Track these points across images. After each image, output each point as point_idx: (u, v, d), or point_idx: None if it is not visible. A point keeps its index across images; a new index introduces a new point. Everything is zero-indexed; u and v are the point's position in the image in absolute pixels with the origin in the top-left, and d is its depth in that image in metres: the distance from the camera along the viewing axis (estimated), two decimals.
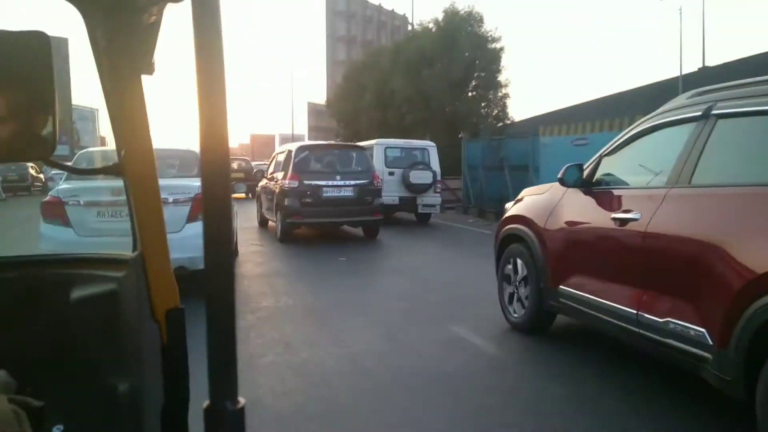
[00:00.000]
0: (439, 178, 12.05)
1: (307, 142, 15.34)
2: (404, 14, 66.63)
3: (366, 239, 9.75)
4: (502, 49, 23.04)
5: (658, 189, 2.90)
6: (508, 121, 23.43)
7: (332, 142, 17.60)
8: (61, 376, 1.18)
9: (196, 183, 5.05)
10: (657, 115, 3.26)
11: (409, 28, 69.01)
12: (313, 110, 61.87)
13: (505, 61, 24.86)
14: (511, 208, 4.68)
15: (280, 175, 9.59)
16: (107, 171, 1.30)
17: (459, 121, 22.03)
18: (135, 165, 1.18)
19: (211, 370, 0.68)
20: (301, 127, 65.63)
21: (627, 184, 3.40)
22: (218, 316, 0.68)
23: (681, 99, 3.19)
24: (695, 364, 2.47)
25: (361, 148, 10.53)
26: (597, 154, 3.68)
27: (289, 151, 9.67)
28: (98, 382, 1.18)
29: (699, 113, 2.83)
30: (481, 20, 23.04)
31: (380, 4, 65.94)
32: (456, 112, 22.38)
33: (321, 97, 65.20)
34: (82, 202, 4.97)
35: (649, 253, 2.78)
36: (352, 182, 9.16)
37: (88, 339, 1.20)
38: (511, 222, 4.51)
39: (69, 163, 6.06)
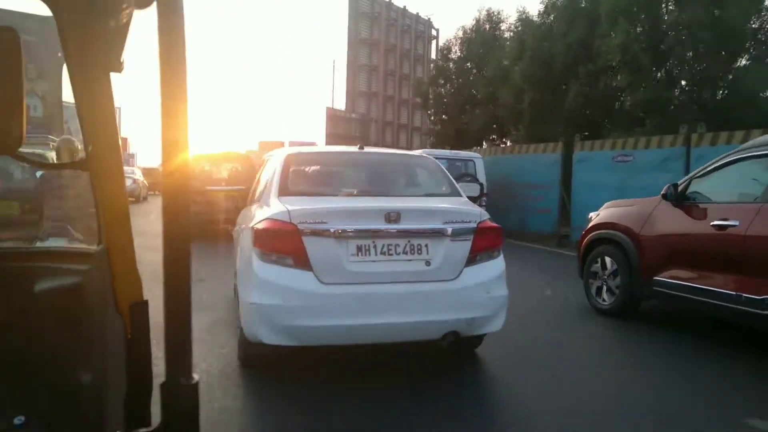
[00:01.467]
0: (485, 190, 12.01)
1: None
2: (428, 18, 67.42)
3: None
4: None
5: (753, 204, 4.06)
6: None
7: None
8: (24, 367, 1.22)
9: (471, 209, 3.63)
10: (742, 150, 4.54)
11: (433, 32, 69.56)
12: (332, 116, 60.08)
13: None
14: (597, 218, 5.80)
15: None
16: (73, 166, 1.41)
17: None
18: (101, 160, 1.22)
19: (167, 348, 0.71)
20: (318, 135, 63.82)
21: (713, 201, 4.52)
22: (174, 298, 0.71)
23: (764, 138, 4.47)
24: None
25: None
26: (688, 176, 4.95)
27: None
28: (61, 373, 1.22)
29: None
30: None
31: (405, 6, 65.90)
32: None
33: (340, 103, 63.61)
34: (332, 230, 3.24)
35: (747, 250, 3.91)
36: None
37: (51, 331, 1.22)
38: (599, 228, 5.64)
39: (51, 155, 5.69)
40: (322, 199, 3.65)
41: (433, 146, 26.77)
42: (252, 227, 3.42)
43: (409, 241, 3.34)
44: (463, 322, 3.38)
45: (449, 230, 3.40)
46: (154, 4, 0.86)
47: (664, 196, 4.87)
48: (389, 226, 3.30)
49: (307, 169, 4.16)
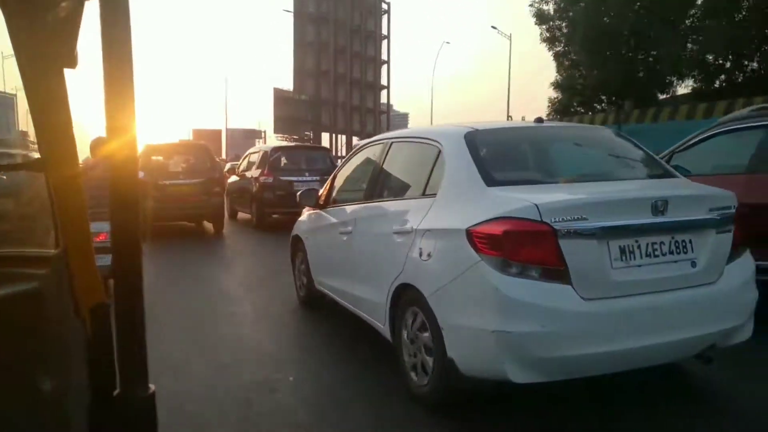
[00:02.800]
0: None
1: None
2: None
3: None
4: None
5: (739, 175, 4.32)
6: None
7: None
8: None
9: (724, 192, 2.94)
10: (721, 124, 4.84)
11: (384, 6, 67.56)
12: (281, 98, 58.11)
13: None
14: None
15: (256, 172, 11.62)
16: (27, 167, 1.30)
17: None
18: (57, 160, 1.18)
19: (119, 356, 0.69)
20: (261, 120, 61.25)
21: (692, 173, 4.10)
22: (128, 308, 0.69)
23: (741, 113, 4.77)
24: None
25: (326, 149, 13.46)
26: (669, 150, 5.11)
27: (265, 152, 11.99)
28: (21, 381, 1.19)
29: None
30: None
31: None
32: None
33: (287, 83, 61.09)
34: (595, 229, 2.53)
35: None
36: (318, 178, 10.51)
37: (9, 338, 1.19)
38: None
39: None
40: (546, 188, 2.90)
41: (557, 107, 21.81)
42: (469, 230, 2.64)
43: (672, 237, 2.70)
44: (724, 332, 2.79)
45: (717, 219, 2.78)
46: None
47: None
48: (656, 219, 2.62)
49: (504, 151, 3.37)
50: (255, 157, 12.36)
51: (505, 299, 2.47)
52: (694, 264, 2.71)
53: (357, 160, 4.72)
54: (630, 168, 3.40)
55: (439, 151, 3.28)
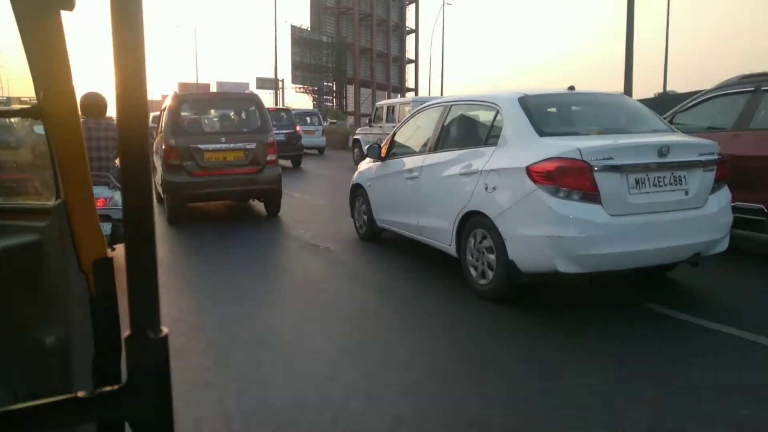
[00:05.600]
0: None
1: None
2: None
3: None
4: None
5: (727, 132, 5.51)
6: None
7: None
8: None
9: (711, 142, 4.15)
10: (716, 89, 5.96)
11: None
12: (298, 38, 50.02)
13: None
14: None
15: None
16: (25, 114, 1.33)
17: None
18: (55, 107, 1.20)
19: (130, 299, 0.70)
20: (283, 65, 51.48)
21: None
22: (136, 244, 0.72)
23: (734, 79, 5.84)
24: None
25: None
26: (672, 111, 6.38)
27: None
28: (25, 335, 1.25)
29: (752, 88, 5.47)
30: None
31: None
32: None
33: (304, 20, 53.35)
34: (618, 166, 3.74)
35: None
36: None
37: (11, 292, 1.24)
38: None
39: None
40: (583, 137, 4.18)
41: None
42: (528, 167, 3.95)
43: (672, 173, 4.00)
44: (707, 243, 4.09)
45: (704, 161, 4.08)
46: None
47: None
48: (660, 159, 3.92)
49: (548, 111, 4.67)
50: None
51: (556, 214, 3.78)
52: (686, 193, 4.03)
53: (416, 120, 6.09)
54: (641, 124, 4.71)
55: (497, 111, 4.57)
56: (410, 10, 65.71)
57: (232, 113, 8.72)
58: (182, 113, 8.06)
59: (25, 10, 1.16)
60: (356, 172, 6.92)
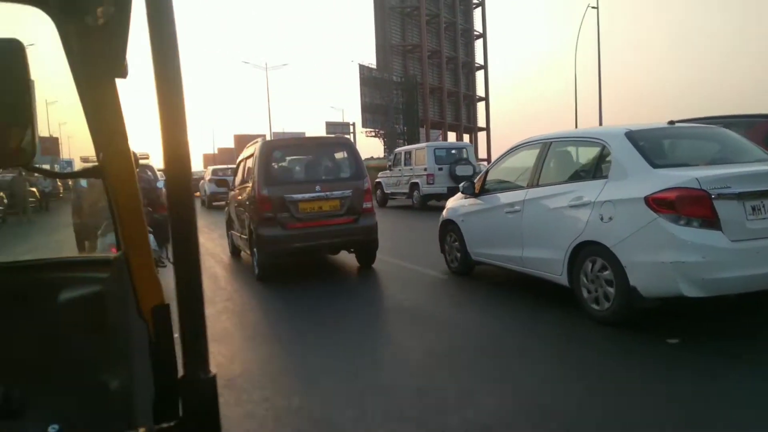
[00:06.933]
0: (477, 170, 15.95)
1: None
2: None
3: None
4: None
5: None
6: None
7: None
8: (54, 377, 1.32)
9: None
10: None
11: None
12: (367, 78, 47.85)
13: None
14: None
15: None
16: (86, 174, 1.43)
17: None
18: (114, 166, 1.30)
19: (184, 344, 0.80)
20: (351, 109, 51.98)
21: None
22: (188, 295, 0.80)
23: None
24: None
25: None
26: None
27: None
28: (90, 381, 1.33)
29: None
30: None
31: None
32: None
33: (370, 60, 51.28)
34: (736, 194, 4.04)
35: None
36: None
37: (77, 340, 1.33)
38: None
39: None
40: (695, 168, 4.51)
41: None
42: (647, 197, 4.29)
43: None
44: None
45: None
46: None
47: None
48: None
49: (655, 144, 4.99)
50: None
51: (679, 241, 4.12)
52: None
53: (511, 157, 6.57)
54: (745, 154, 4.96)
55: (604, 146, 4.97)
56: (478, 43, 64.86)
57: (324, 159, 8.25)
58: (273, 162, 7.64)
59: (84, 79, 1.28)
60: (445, 209, 7.37)
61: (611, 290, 4.54)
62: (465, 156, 17.48)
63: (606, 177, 4.76)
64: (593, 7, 32.22)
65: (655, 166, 4.46)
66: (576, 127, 23.18)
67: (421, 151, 17.76)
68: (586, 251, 4.81)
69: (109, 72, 1.27)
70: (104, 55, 1.25)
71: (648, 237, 4.24)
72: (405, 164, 18.35)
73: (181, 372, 0.95)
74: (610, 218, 4.54)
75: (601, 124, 28.78)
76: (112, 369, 1.31)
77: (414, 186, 17.64)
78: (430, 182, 17.05)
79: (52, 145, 39.01)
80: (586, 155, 5.50)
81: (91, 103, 1.29)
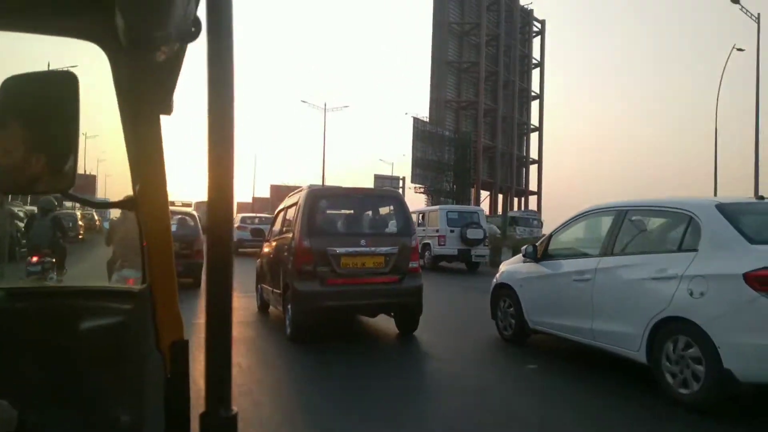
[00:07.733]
0: (487, 235, 17.98)
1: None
2: (529, 7, 57.85)
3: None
4: None
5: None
6: None
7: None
8: (67, 406, 1.32)
9: None
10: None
11: (536, 26, 54.88)
12: (420, 132, 45.87)
13: None
14: None
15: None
16: (120, 205, 1.44)
17: None
18: (148, 200, 1.33)
19: (207, 380, 0.79)
20: (402, 162, 51.14)
21: None
22: (215, 332, 0.81)
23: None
24: None
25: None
26: None
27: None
28: (102, 412, 1.33)
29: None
30: None
31: None
32: None
33: (423, 112, 49.08)
34: None
35: None
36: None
37: (94, 369, 1.33)
38: None
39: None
40: None
41: None
42: (747, 274, 4.04)
43: None
44: None
45: None
46: (203, 39, 0.90)
47: None
48: None
49: (749, 218, 4.74)
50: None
51: None
52: None
53: (581, 223, 6.37)
54: None
55: (691, 218, 4.76)
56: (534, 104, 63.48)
57: (371, 212, 7.79)
58: (318, 212, 7.00)
59: (130, 114, 1.32)
60: (499, 272, 7.10)
61: (700, 368, 4.22)
62: (476, 220, 17.98)
63: (695, 250, 4.54)
64: (739, 49, 26.22)
65: (752, 241, 4.24)
66: (715, 194, 21.84)
67: (435, 213, 18.41)
68: (669, 328, 4.53)
69: (156, 108, 1.31)
70: (154, 92, 1.29)
71: (748, 316, 4.00)
72: (419, 225, 18.01)
73: (201, 408, 0.94)
74: (701, 293, 4.28)
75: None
76: (126, 401, 1.31)
77: (426, 246, 17.59)
78: (442, 243, 17.31)
79: (89, 183, 39.58)
80: (669, 226, 5.28)
81: (134, 138, 1.32)
